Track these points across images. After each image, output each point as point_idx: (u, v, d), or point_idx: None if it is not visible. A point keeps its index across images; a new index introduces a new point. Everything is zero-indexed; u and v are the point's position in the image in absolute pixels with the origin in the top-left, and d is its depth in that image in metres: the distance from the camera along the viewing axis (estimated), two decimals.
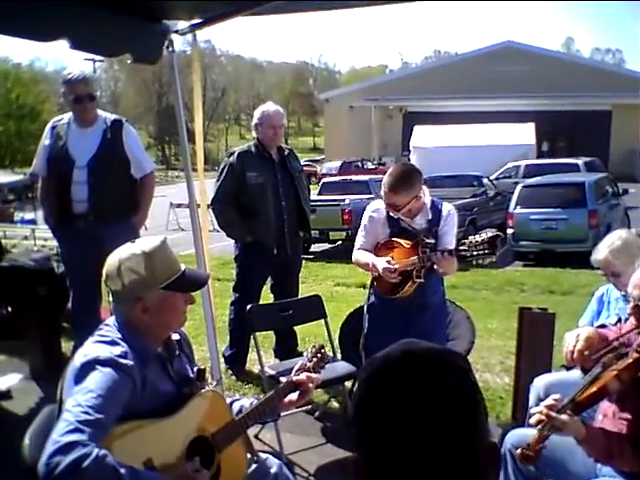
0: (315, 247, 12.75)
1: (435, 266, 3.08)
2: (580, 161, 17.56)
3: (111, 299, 2.05)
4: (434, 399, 0.91)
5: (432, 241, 3.18)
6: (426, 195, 3.32)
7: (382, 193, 3.25)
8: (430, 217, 3.28)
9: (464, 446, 0.90)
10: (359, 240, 3.44)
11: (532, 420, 2.12)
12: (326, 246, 13.23)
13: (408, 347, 0.99)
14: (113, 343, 1.93)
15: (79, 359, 1.89)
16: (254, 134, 4.85)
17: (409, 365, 0.95)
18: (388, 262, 3.17)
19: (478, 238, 2.98)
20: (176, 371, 2.11)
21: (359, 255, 3.40)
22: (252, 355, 4.93)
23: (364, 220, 3.42)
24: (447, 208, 3.35)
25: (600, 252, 3.05)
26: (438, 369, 0.94)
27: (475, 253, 2.98)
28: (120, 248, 2.06)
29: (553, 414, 2.04)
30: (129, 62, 3.43)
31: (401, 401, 0.91)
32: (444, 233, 3.28)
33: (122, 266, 1.97)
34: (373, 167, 30.26)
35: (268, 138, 4.74)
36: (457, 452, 0.90)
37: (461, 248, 3.02)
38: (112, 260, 2.02)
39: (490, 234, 3.01)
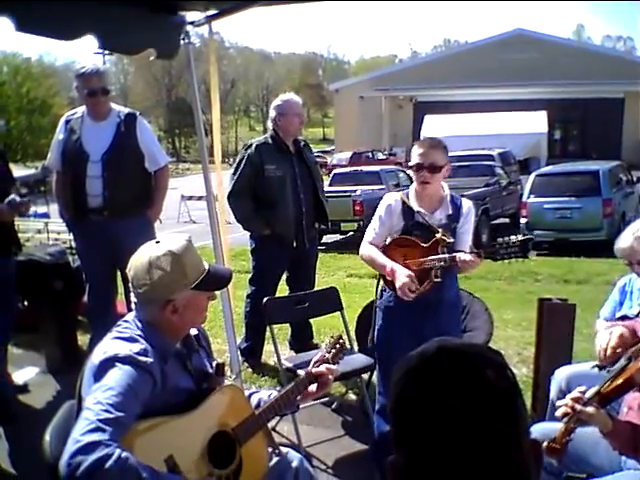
0: (326, 238, 12.72)
1: (460, 265, 2.95)
2: (495, 152, 17.03)
3: (135, 300, 2.01)
4: (474, 390, 0.89)
5: (451, 240, 3.06)
6: (445, 188, 3.22)
7: (415, 157, 3.06)
8: (450, 212, 3.15)
9: (508, 438, 0.88)
10: (370, 233, 3.23)
11: (558, 413, 2.09)
12: (337, 237, 13.21)
13: (443, 343, 0.97)
14: (132, 340, 1.92)
15: (98, 356, 1.87)
16: (271, 126, 4.82)
17: (446, 359, 0.94)
18: (410, 277, 2.95)
19: (508, 240, 2.89)
20: (195, 366, 2.10)
21: (373, 253, 3.17)
22: (267, 347, 4.94)
23: (380, 210, 3.21)
24: (467, 204, 3.22)
25: (625, 240, 2.97)
26: (476, 362, 0.93)
27: (505, 255, 2.89)
28: (145, 248, 2.01)
29: (579, 407, 2.02)
30: (152, 59, 3.38)
31: (441, 393, 0.89)
32: (464, 232, 3.16)
33: (152, 267, 1.94)
34: (384, 157, 30.14)
35: (293, 127, 4.73)
36: (502, 444, 0.87)
37: (490, 250, 2.93)
38: (140, 261, 1.97)
39: (521, 237, 2.92)
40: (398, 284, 2.96)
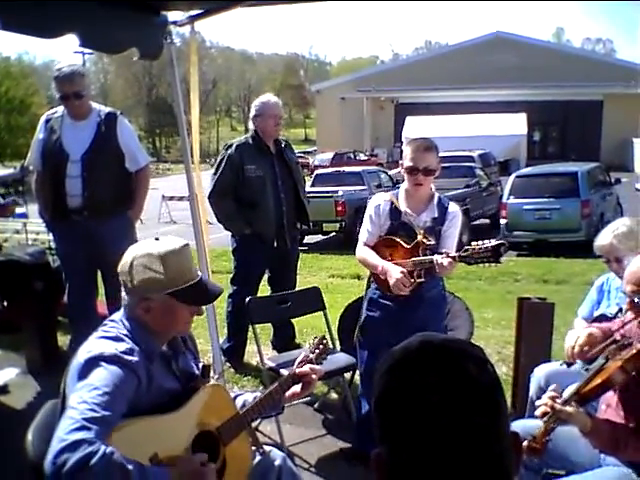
0: (309, 238, 12.73)
1: (437, 268, 2.94)
2: (475, 154, 17.16)
3: (123, 291, 2.04)
4: (457, 384, 0.90)
5: (432, 242, 3.10)
6: (433, 190, 3.25)
7: (409, 160, 3.09)
8: (436, 215, 3.19)
9: (489, 431, 0.90)
10: (364, 234, 3.29)
11: (538, 412, 2.12)
12: (319, 238, 13.22)
13: (425, 338, 0.99)
14: (118, 339, 1.92)
15: (83, 355, 1.87)
16: (251, 126, 4.83)
17: (428, 353, 0.95)
18: (402, 273, 3.01)
19: (482, 245, 2.82)
20: (181, 368, 2.10)
21: (366, 254, 3.24)
22: (250, 347, 4.93)
23: (369, 211, 3.28)
24: (454, 208, 3.24)
25: (604, 237, 3.04)
26: (457, 357, 0.94)
27: (479, 260, 2.84)
28: (140, 243, 2.05)
29: (558, 406, 2.04)
30: (135, 59, 3.36)
31: (424, 388, 0.90)
32: (448, 236, 3.18)
33: (135, 262, 1.96)
34: (365, 158, 30.25)
35: (270, 128, 4.73)
36: (483, 437, 0.89)
37: (463, 255, 2.86)
38: (127, 254, 2.01)
39: (495, 242, 2.83)
40: (392, 281, 3.05)
